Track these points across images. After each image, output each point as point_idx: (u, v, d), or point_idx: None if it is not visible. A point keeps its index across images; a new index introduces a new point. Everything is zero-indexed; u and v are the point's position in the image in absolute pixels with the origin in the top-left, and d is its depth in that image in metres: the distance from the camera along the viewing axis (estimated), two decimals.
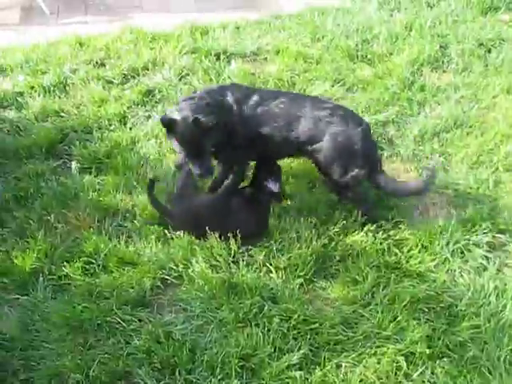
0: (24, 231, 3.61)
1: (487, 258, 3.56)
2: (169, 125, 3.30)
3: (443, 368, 2.97)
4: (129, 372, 2.93)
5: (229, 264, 3.42)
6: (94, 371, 2.89)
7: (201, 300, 3.26)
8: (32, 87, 4.90)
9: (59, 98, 4.85)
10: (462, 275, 3.47)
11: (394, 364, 2.96)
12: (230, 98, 3.47)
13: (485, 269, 3.50)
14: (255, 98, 3.50)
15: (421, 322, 3.16)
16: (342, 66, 5.20)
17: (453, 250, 3.57)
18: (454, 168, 4.22)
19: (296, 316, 3.13)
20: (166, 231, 3.58)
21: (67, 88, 4.96)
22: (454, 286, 3.38)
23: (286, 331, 3.10)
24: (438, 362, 2.99)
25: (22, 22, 6.20)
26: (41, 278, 3.33)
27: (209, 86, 4.69)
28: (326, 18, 5.94)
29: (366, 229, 3.63)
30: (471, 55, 5.36)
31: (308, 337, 3.08)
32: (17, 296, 3.29)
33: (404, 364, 2.95)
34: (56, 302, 3.24)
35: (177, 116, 3.28)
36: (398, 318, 3.15)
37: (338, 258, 3.51)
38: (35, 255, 3.42)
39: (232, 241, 3.43)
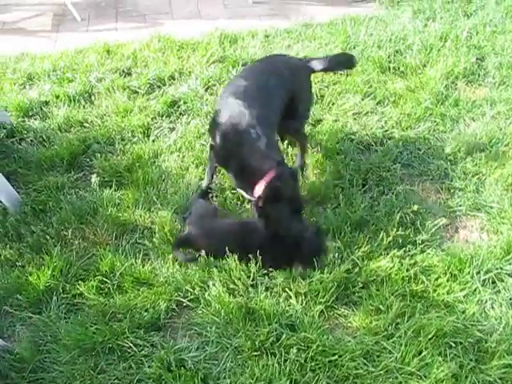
0: (40, 246, 3.56)
1: None
2: None
3: None
4: None
5: (247, 288, 3.30)
6: None
7: (216, 325, 3.14)
8: (57, 96, 4.88)
9: (84, 107, 4.81)
10: (493, 307, 3.26)
11: None
12: None
13: None
14: None
15: (447, 357, 2.97)
16: (373, 78, 5.03)
17: (484, 280, 3.37)
18: (487, 189, 4.00)
19: (315, 346, 2.98)
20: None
21: (92, 97, 4.93)
22: (484, 319, 3.18)
23: (303, 362, 2.95)
24: None
25: (53, 28, 6.25)
26: (54, 297, 3.27)
27: None
28: (359, 27, 5.79)
29: (391, 254, 3.46)
30: (509, 68, 5.13)
31: (326, 369, 2.92)
32: (30, 314, 3.23)
33: None
34: (68, 322, 3.17)
35: None
36: (423, 353, 2.97)
37: (361, 284, 3.33)
38: (50, 272, 3.36)
39: (251, 263, 3.30)
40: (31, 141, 4.47)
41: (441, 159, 4.22)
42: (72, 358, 3.00)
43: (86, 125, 4.61)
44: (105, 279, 3.36)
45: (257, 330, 3.08)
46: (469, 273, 3.38)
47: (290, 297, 3.24)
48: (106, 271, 3.40)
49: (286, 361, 2.95)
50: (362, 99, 4.79)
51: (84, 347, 3.03)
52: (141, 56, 5.40)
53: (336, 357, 2.96)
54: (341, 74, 5.08)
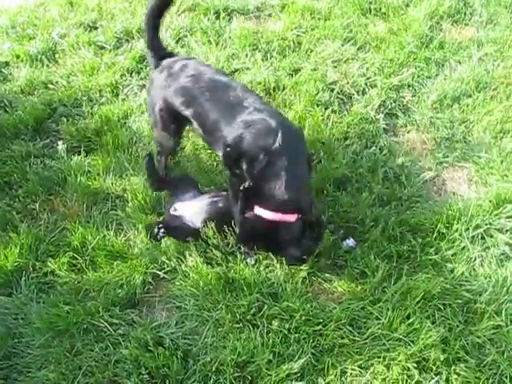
0: (6, 222, 3.37)
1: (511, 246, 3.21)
2: None
3: (459, 375, 2.69)
4: (116, 382, 2.72)
5: (226, 257, 3.15)
6: (78, 382, 2.69)
7: (195, 297, 3.01)
8: (18, 56, 4.57)
9: (47, 67, 4.52)
10: (482, 265, 3.14)
11: (405, 371, 2.69)
12: None
13: (508, 258, 3.16)
14: None
15: (435, 320, 2.87)
16: (353, 21, 4.73)
17: (472, 236, 3.23)
18: (475, 138, 3.82)
19: (298, 316, 2.86)
20: (159, 218, 3.31)
21: (56, 56, 4.62)
22: (474, 279, 3.05)
23: (286, 333, 2.84)
24: (453, 367, 2.71)
25: None
26: (24, 277, 3.11)
27: None
28: None
29: (376, 212, 3.30)
30: (497, 5, 4.85)
31: (311, 340, 2.81)
32: None
33: (416, 372, 2.67)
34: (40, 303, 3.02)
35: None
36: (411, 317, 2.86)
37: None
38: (18, 250, 3.19)
39: (229, 232, 3.13)
40: None
41: (426, 107, 4.01)
42: (46, 341, 2.87)
43: (51, 86, 4.33)
44: (76, 255, 3.20)
45: (237, 301, 2.96)
46: (457, 230, 3.24)
47: (272, 264, 3.10)
48: (77, 246, 3.23)
49: (268, 332, 2.84)
50: (342, 45, 4.51)
51: (58, 329, 2.89)
52: (106, 8, 5.04)
53: (320, 326, 2.85)
54: (319, 19, 4.77)
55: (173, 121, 3.27)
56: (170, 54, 3.48)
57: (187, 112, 3.13)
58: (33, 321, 2.93)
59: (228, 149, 2.96)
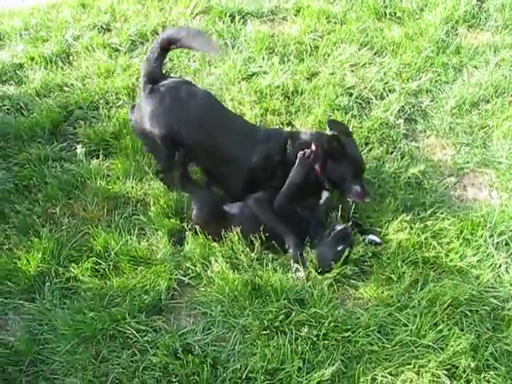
0: (28, 227, 3.33)
1: None
2: None
3: (489, 382, 2.68)
4: None
5: (252, 262, 3.12)
6: None
7: (221, 304, 2.98)
8: (32, 58, 4.52)
9: (62, 69, 4.47)
10: (507, 271, 3.14)
11: (436, 379, 2.68)
12: None
13: None
14: None
15: (463, 327, 2.86)
16: (369, 25, 4.72)
17: (497, 243, 3.23)
18: (495, 144, 3.82)
19: (327, 323, 2.84)
20: (182, 224, 3.29)
21: (70, 58, 4.57)
22: (499, 285, 3.06)
23: (315, 340, 2.81)
24: (483, 374, 2.71)
25: None
26: (47, 282, 3.07)
27: None
28: None
29: (400, 218, 3.29)
30: None
31: (340, 347, 2.80)
32: (22, 302, 3.04)
33: (447, 380, 2.66)
34: (64, 309, 2.98)
35: None
36: (438, 324, 2.85)
37: (370, 253, 3.17)
38: (40, 255, 3.15)
39: (255, 237, 3.11)
40: (7, 109, 4.14)
41: (445, 113, 4.01)
42: (72, 348, 2.83)
43: (66, 89, 4.28)
44: (99, 260, 3.16)
45: (264, 307, 2.93)
46: (481, 236, 3.24)
47: (298, 270, 3.07)
48: (99, 251, 3.20)
49: (297, 339, 2.82)
50: (359, 49, 4.50)
51: (83, 335, 2.86)
52: (119, 9, 4.99)
53: (349, 333, 2.83)
54: (335, 23, 4.76)
55: (176, 147, 3.31)
56: (165, 77, 3.49)
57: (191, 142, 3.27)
58: (57, 327, 2.89)
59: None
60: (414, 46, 4.49)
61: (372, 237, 3.21)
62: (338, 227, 3.09)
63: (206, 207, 3.22)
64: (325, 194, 3.32)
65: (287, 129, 3.83)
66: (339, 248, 3.01)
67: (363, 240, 3.19)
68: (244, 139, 3.31)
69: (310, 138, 3.27)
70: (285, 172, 3.19)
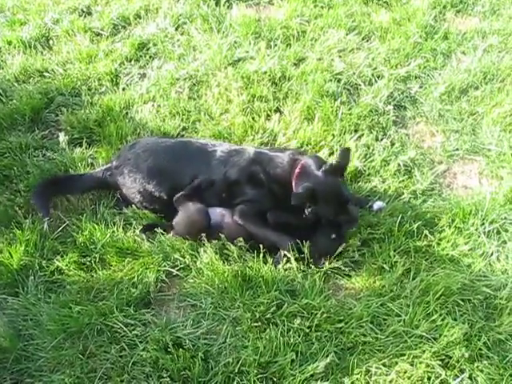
0: (9, 218, 3.23)
1: None
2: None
3: (482, 371, 2.65)
4: None
5: (242, 253, 3.05)
6: None
7: (211, 296, 2.92)
8: (10, 42, 4.38)
9: (42, 54, 4.36)
10: (498, 260, 3.12)
11: (430, 369, 2.65)
12: None
13: None
14: None
15: (456, 317, 2.83)
16: (356, 10, 4.65)
17: (488, 231, 3.21)
18: (484, 131, 3.79)
19: (319, 314, 2.79)
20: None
21: (50, 42, 4.45)
22: (492, 274, 3.03)
23: (308, 331, 2.77)
24: (476, 364, 2.68)
25: None
26: (31, 276, 2.98)
27: None
28: None
29: (391, 206, 3.25)
30: None
31: (333, 338, 2.75)
32: (5, 297, 2.94)
33: (441, 370, 2.63)
34: (50, 303, 2.88)
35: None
36: (432, 315, 2.81)
37: (359, 242, 3.14)
38: (23, 248, 3.05)
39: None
40: None
41: (434, 99, 3.97)
42: (58, 343, 2.74)
43: (47, 74, 4.17)
44: (85, 252, 3.07)
45: (255, 299, 2.87)
46: (473, 224, 3.21)
47: (289, 261, 3.02)
48: (85, 243, 3.11)
49: (289, 331, 2.76)
50: (347, 34, 4.44)
51: (70, 330, 2.77)
52: None
53: (342, 324, 2.79)
54: (322, 7, 4.68)
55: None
56: None
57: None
58: (43, 322, 2.80)
59: None
60: (401, 31, 4.45)
61: (378, 204, 3.25)
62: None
63: (188, 216, 3.16)
64: None
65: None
66: (332, 236, 2.97)
67: (370, 211, 3.22)
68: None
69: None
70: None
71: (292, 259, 2.99)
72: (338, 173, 3.08)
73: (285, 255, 3.02)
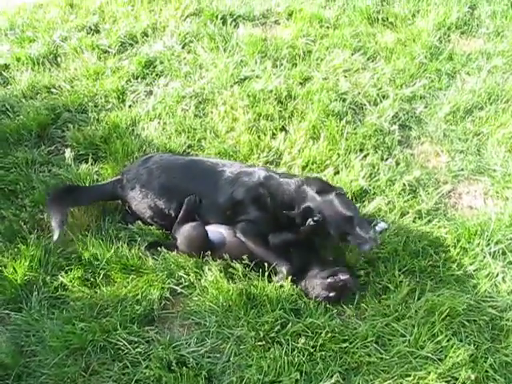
0: (14, 233, 3.23)
1: None
2: None
3: None
4: None
5: (246, 271, 3.04)
6: None
7: (215, 314, 2.91)
8: (18, 59, 4.42)
9: (49, 71, 4.39)
10: (504, 281, 3.10)
11: None
12: None
13: None
14: None
15: (462, 338, 2.81)
16: (362, 30, 4.70)
17: (494, 252, 3.19)
18: (489, 151, 3.79)
19: (323, 333, 2.77)
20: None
21: (58, 59, 4.49)
22: (497, 295, 3.02)
23: (312, 351, 2.75)
24: None
25: None
26: (35, 292, 2.97)
27: None
28: None
29: (396, 226, 3.24)
30: (503, 17, 4.87)
31: (337, 358, 2.73)
32: (8, 312, 2.93)
33: None
34: (53, 319, 2.87)
35: None
36: (437, 336, 2.80)
37: (366, 261, 3.13)
38: (27, 263, 3.05)
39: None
40: None
41: (439, 119, 3.98)
42: (60, 360, 2.73)
43: (54, 90, 4.20)
44: (89, 268, 3.07)
45: (260, 318, 2.86)
46: (478, 245, 3.21)
47: (293, 279, 3.00)
48: (89, 259, 3.10)
49: (293, 350, 2.74)
50: (352, 54, 4.48)
51: (72, 347, 2.76)
52: (108, 10, 4.92)
53: (347, 343, 2.77)
54: (327, 27, 4.73)
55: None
56: None
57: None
58: (45, 338, 2.79)
59: None
60: (407, 51, 4.48)
61: (381, 225, 3.24)
62: (342, 276, 2.97)
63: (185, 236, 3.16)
64: None
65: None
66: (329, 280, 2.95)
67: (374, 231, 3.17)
68: None
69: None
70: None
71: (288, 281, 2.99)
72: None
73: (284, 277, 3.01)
